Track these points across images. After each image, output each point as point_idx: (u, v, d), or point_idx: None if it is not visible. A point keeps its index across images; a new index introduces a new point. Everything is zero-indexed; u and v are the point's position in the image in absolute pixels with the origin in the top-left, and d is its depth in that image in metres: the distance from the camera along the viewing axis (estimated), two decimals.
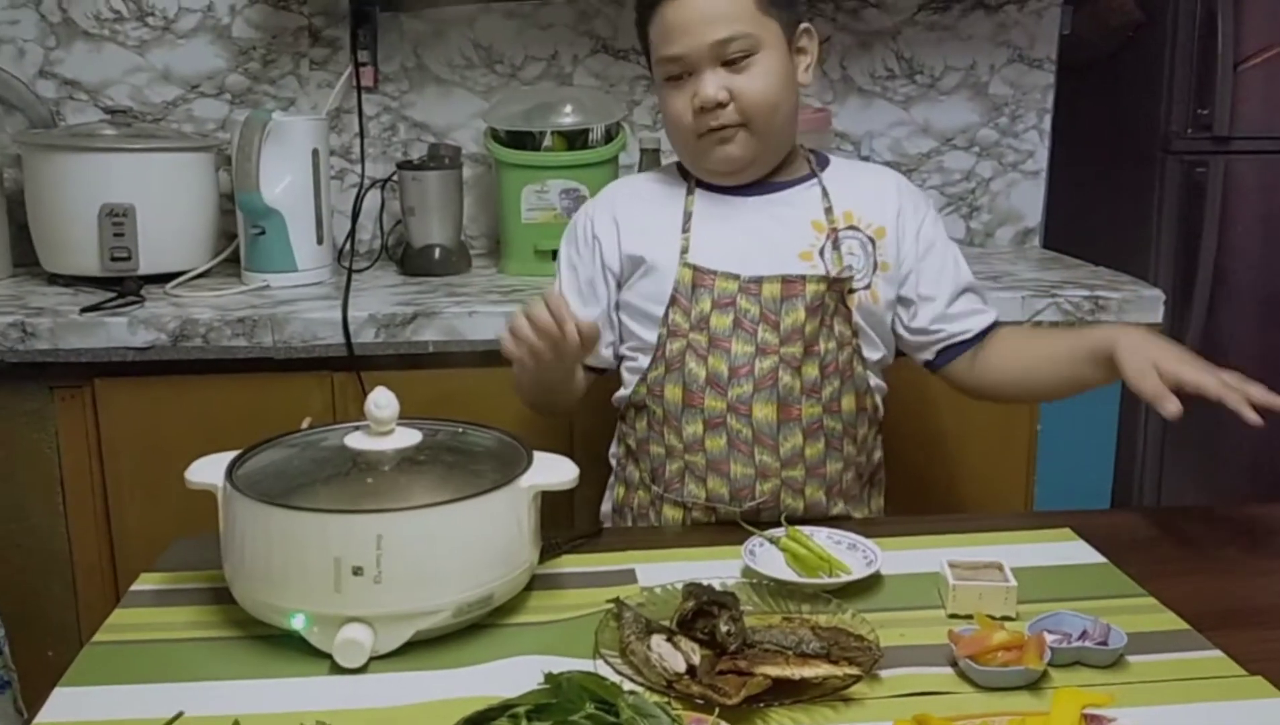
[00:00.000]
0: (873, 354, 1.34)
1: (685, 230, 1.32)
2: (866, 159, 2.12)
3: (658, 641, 0.90)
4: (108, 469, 1.69)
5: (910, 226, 1.35)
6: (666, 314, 1.30)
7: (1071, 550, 1.16)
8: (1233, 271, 2.38)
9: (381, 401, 1.02)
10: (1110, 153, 2.54)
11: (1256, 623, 1.01)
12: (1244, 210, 2.37)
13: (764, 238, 1.31)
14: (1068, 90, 2.29)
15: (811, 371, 1.28)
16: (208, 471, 1.02)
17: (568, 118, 1.93)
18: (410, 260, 1.99)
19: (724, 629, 0.90)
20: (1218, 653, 0.93)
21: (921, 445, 1.81)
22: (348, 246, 2.04)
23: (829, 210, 1.32)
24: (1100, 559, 1.13)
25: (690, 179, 1.36)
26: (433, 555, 0.94)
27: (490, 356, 1.69)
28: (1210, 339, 2.38)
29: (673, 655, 0.89)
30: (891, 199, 1.35)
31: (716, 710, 0.82)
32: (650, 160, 2.00)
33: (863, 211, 1.33)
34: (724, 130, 1.27)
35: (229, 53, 2.08)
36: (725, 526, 1.25)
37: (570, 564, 1.13)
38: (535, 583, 1.06)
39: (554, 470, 1.03)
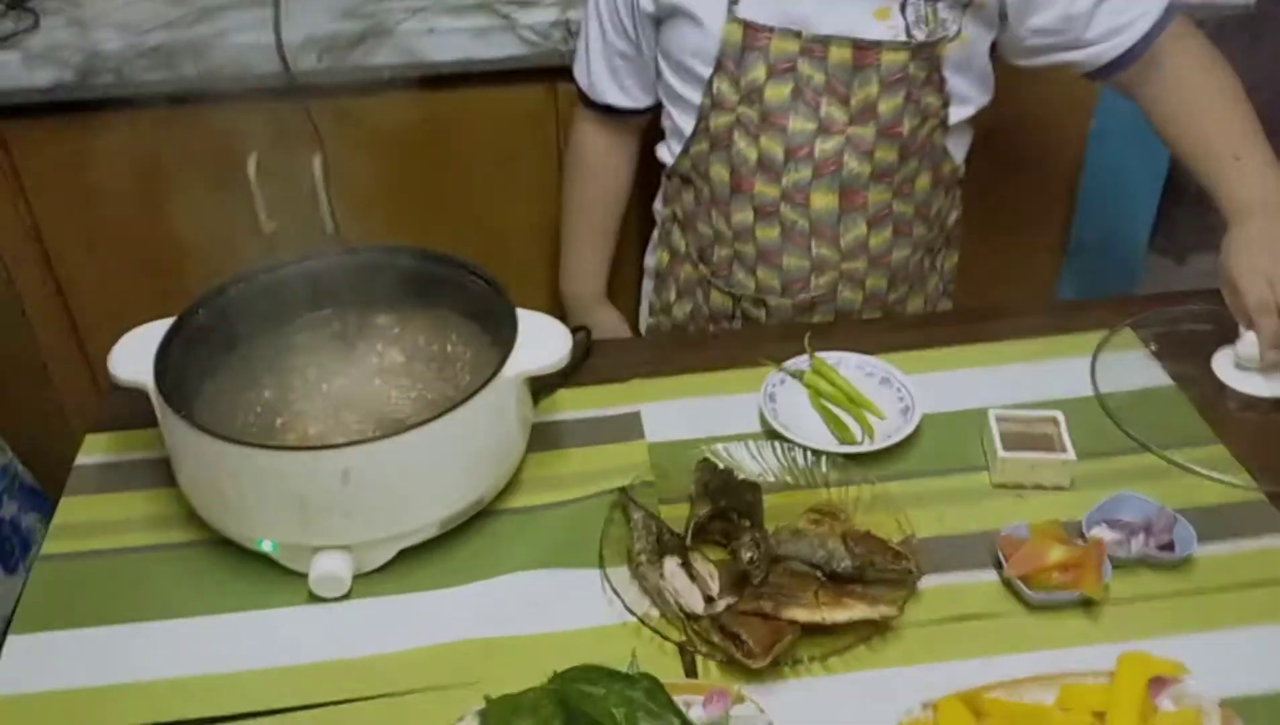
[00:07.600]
0: (963, 111, 1.11)
1: None
2: None
3: (671, 569, 0.81)
4: (41, 223, 1.51)
5: None
6: (711, 82, 1.08)
7: (1132, 366, 1.02)
8: None
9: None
10: None
11: None
12: None
13: None
14: None
15: (887, 156, 1.07)
16: (133, 362, 0.85)
17: None
18: None
19: (746, 556, 0.79)
20: None
21: None
22: None
23: None
24: (1168, 382, 1.00)
25: None
26: (409, 480, 0.81)
27: (456, 79, 1.45)
28: None
29: (689, 590, 0.79)
30: None
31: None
32: None
33: None
34: None
35: None
36: (744, 352, 1.07)
37: (569, 407, 1.01)
38: (531, 441, 0.94)
39: (541, 342, 0.87)
